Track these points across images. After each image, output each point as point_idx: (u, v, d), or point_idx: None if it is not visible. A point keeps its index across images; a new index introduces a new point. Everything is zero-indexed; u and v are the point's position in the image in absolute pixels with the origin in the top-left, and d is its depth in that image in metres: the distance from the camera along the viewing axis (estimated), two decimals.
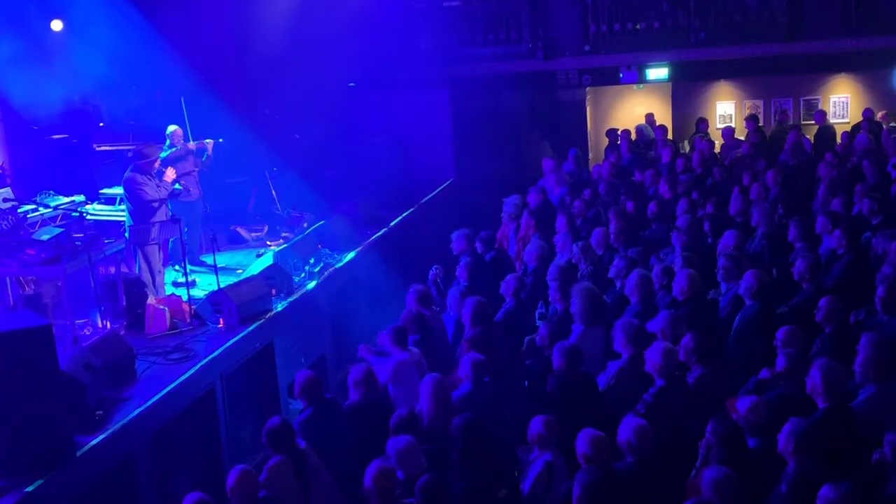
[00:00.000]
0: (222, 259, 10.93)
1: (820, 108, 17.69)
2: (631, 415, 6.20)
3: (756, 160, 13.75)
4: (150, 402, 7.29)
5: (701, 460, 5.96)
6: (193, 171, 11.47)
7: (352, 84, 17.11)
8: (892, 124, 16.06)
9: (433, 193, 15.16)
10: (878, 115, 16.61)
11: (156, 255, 10.15)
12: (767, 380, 7.07)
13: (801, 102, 18.34)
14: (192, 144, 11.55)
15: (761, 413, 6.12)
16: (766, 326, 7.65)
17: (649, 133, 17.09)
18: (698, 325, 7.68)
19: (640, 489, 5.81)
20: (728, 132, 16.31)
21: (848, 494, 4.96)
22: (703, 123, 17.23)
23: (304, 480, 6.52)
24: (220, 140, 11.91)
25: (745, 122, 16.74)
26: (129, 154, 10.28)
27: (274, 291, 9.53)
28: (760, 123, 17.04)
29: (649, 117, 18.01)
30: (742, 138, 16.04)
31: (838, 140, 15.53)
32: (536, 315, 9.40)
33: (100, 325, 8.93)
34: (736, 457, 5.73)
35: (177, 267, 11.08)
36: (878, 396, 6.42)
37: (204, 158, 11.67)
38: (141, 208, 9.99)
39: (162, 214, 10.11)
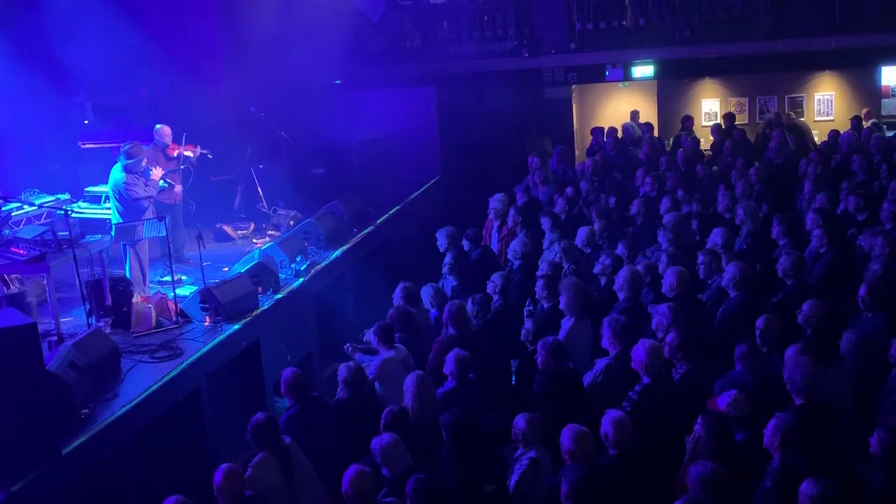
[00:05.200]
0: (208, 257, 10.89)
1: (789, 108, 17.88)
2: (610, 408, 6.21)
3: (736, 157, 13.84)
4: (135, 401, 7.26)
5: (689, 455, 5.98)
6: (178, 169, 11.42)
7: (338, 82, 17.10)
8: (874, 121, 16.15)
9: (419, 191, 15.15)
10: (862, 113, 16.74)
11: (146, 253, 10.17)
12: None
13: (786, 100, 18.44)
14: (177, 148, 11.47)
15: (744, 406, 6.16)
16: (750, 318, 7.70)
17: (636, 131, 17.16)
18: (685, 320, 7.71)
19: (627, 485, 5.85)
20: (717, 129, 16.41)
21: (829, 490, 4.99)
22: (688, 121, 17.33)
23: (290, 477, 6.52)
24: (209, 154, 11.83)
25: (723, 119, 16.87)
26: (118, 154, 10.24)
27: (260, 289, 9.51)
28: (746, 121, 17.16)
29: (634, 114, 18.07)
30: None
31: (815, 137, 15.70)
32: (525, 312, 9.42)
33: (85, 324, 8.89)
34: (724, 450, 5.76)
35: (164, 265, 11.04)
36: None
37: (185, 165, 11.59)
38: (130, 207, 10.05)
39: (150, 213, 10.15)
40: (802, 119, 17.73)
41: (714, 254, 9.08)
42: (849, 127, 15.63)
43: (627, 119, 17.99)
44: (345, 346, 8.83)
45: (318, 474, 6.80)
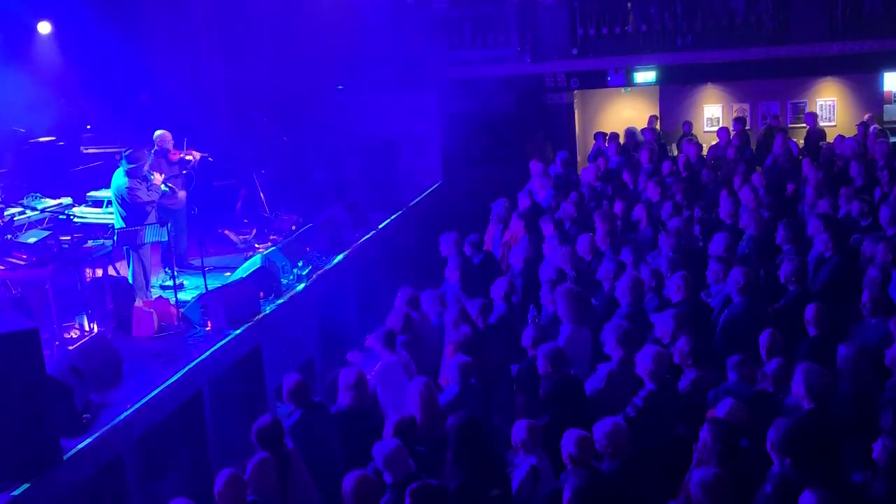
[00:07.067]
0: (210, 262, 10.89)
1: (808, 111, 17.85)
2: (606, 418, 6.17)
3: (738, 163, 13.83)
4: (137, 406, 7.25)
5: (696, 462, 5.96)
6: (179, 174, 11.43)
7: (340, 87, 17.11)
8: (876, 126, 16.15)
9: (421, 196, 15.16)
10: (865, 118, 16.74)
11: (148, 258, 10.16)
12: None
13: (789, 106, 18.45)
14: (178, 154, 11.47)
15: (742, 413, 6.15)
16: (752, 324, 7.68)
17: (639, 136, 17.22)
18: (693, 326, 7.70)
19: (630, 492, 5.83)
20: (724, 132, 16.41)
21: (827, 501, 4.98)
22: (687, 126, 17.36)
23: (285, 482, 6.50)
24: (209, 157, 11.84)
25: (732, 123, 16.84)
26: (120, 158, 10.24)
27: (262, 294, 9.51)
28: (748, 126, 17.14)
29: (651, 119, 18.12)
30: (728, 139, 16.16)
31: (830, 141, 15.66)
32: (529, 318, 9.41)
33: (87, 329, 8.89)
34: (731, 456, 5.75)
35: (165, 270, 11.04)
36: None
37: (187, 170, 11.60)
38: (134, 212, 10.04)
39: (152, 217, 10.15)
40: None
41: (725, 261, 9.03)
42: (851, 133, 15.61)
43: (629, 124, 18.03)
44: (347, 356, 8.81)
45: (318, 480, 6.80)
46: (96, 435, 6.75)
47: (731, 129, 16.61)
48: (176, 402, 7.78)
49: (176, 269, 10.15)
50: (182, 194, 11.27)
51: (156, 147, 11.28)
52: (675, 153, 16.65)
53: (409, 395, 7.06)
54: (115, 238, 9.88)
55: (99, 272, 9.64)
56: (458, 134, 16.61)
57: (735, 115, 17.96)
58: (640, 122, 18.36)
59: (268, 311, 9.34)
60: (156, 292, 10.34)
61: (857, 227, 10.24)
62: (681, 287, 8.39)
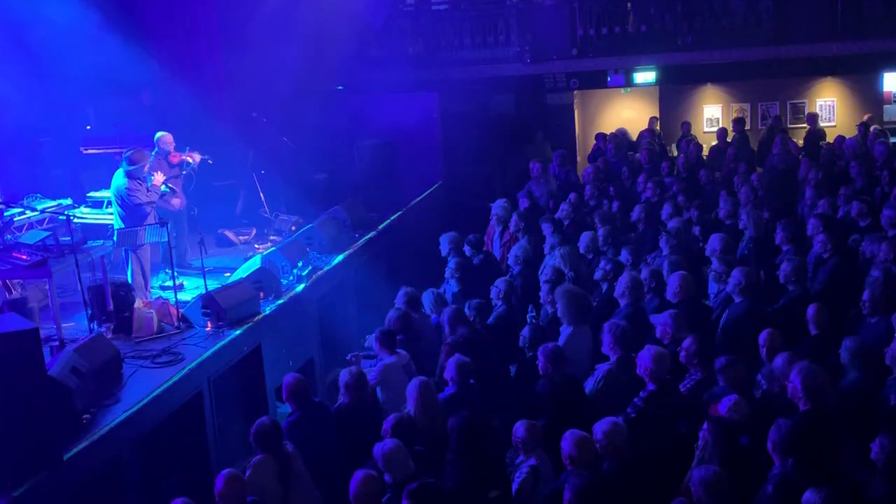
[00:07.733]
0: (210, 262, 10.88)
1: (808, 111, 17.87)
2: (605, 418, 6.17)
3: (738, 163, 13.85)
4: (137, 406, 7.25)
5: (697, 461, 5.96)
6: (179, 175, 11.42)
7: (340, 87, 17.11)
8: (876, 127, 16.17)
9: (421, 196, 15.15)
10: (864, 118, 16.76)
11: (148, 259, 10.17)
12: None
13: (788, 106, 18.46)
14: (179, 156, 11.46)
15: (744, 411, 6.15)
16: (753, 324, 7.68)
17: (630, 136, 17.29)
18: (693, 327, 7.69)
19: (630, 492, 5.83)
20: (722, 133, 16.44)
21: (830, 499, 4.98)
22: (686, 126, 17.37)
23: (286, 484, 6.50)
24: (209, 160, 11.82)
25: (732, 124, 16.87)
26: (120, 159, 10.24)
27: (262, 294, 9.51)
28: (748, 127, 17.17)
29: (652, 121, 18.13)
30: (727, 140, 16.20)
31: (830, 141, 15.69)
32: (528, 318, 9.41)
33: (87, 329, 8.89)
34: (731, 455, 5.75)
35: (166, 270, 11.04)
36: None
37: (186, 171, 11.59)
38: (133, 213, 10.04)
39: (152, 218, 10.16)
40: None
41: (727, 262, 9.03)
42: (851, 133, 15.63)
43: (628, 125, 18.04)
44: (347, 357, 8.82)
45: (318, 480, 6.79)
46: (96, 435, 6.75)
47: (730, 129, 16.66)
48: (176, 402, 7.78)
49: (176, 269, 10.15)
50: (177, 201, 11.22)
51: (157, 149, 11.28)
52: (675, 154, 16.67)
53: (408, 395, 7.06)
54: (115, 238, 9.89)
55: (98, 273, 9.64)
56: (458, 134, 16.61)
57: (735, 115, 17.99)
58: (641, 122, 18.42)
59: (268, 312, 9.33)
60: (156, 293, 10.34)
61: (856, 227, 10.25)
62: (681, 287, 8.40)
